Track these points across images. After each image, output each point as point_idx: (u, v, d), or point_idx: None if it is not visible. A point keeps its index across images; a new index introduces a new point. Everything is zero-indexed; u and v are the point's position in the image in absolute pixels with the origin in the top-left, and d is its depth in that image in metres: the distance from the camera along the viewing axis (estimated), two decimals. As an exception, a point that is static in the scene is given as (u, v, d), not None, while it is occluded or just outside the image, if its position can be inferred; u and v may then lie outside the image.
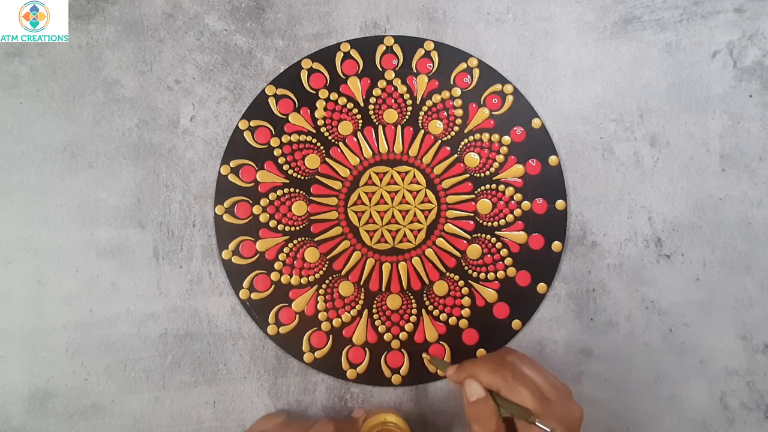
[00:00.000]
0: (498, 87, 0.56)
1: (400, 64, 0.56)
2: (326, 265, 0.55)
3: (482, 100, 0.56)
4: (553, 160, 0.56)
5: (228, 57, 0.56)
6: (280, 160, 0.55)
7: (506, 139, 0.56)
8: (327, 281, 0.54)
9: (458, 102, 0.56)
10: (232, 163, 0.55)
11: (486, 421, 0.42)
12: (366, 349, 0.54)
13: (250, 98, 0.56)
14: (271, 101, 0.56)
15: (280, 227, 0.55)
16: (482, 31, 0.57)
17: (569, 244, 0.56)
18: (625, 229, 0.56)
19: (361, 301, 0.54)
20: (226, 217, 0.54)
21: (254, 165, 0.55)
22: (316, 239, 0.55)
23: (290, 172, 0.55)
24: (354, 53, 0.56)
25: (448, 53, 0.57)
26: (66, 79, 0.55)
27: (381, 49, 0.56)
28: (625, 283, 0.55)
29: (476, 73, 0.56)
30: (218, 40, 0.56)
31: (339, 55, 0.56)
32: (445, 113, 0.56)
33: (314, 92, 0.56)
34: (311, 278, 0.54)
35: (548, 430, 0.40)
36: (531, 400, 0.41)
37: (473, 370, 0.44)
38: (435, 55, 0.56)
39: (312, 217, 0.55)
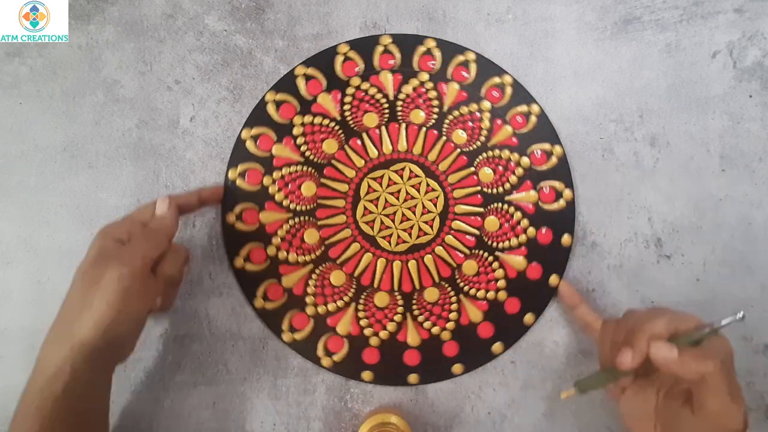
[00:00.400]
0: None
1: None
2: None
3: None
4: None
5: (228, 57, 0.56)
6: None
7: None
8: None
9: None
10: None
11: (710, 359, 0.39)
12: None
13: (249, 99, 0.56)
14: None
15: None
16: (482, 32, 0.57)
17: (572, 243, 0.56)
18: (625, 230, 0.56)
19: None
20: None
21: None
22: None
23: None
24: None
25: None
26: (66, 79, 0.55)
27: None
28: (625, 283, 0.55)
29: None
30: (218, 40, 0.56)
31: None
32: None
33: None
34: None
35: (735, 317, 0.41)
36: (695, 319, 0.41)
37: (647, 333, 0.41)
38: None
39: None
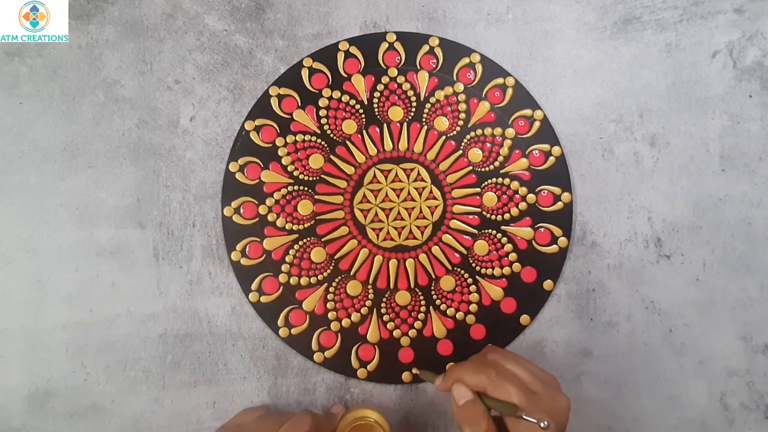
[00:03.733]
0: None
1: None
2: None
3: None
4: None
5: (228, 57, 0.56)
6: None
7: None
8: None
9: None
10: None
11: (476, 423, 0.42)
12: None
13: (250, 98, 0.56)
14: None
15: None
16: (482, 31, 0.57)
17: (569, 244, 0.56)
18: (625, 230, 0.56)
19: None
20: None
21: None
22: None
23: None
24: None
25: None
26: (66, 79, 0.55)
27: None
28: (625, 283, 0.55)
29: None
30: (218, 40, 0.56)
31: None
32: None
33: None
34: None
35: (535, 421, 0.40)
36: (517, 395, 0.41)
37: (458, 374, 0.44)
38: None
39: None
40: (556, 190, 0.55)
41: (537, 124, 0.56)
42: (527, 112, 0.56)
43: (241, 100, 0.56)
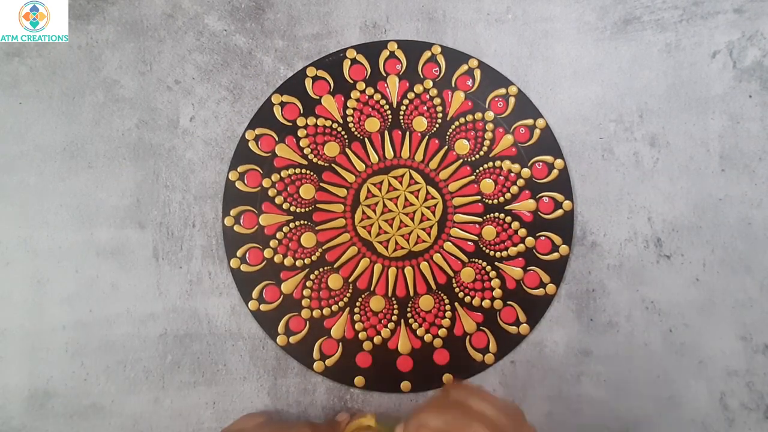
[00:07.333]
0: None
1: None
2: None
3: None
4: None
5: (228, 57, 0.56)
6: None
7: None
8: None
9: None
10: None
11: None
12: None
13: (249, 98, 0.56)
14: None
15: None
16: (482, 32, 0.57)
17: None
18: (625, 230, 0.56)
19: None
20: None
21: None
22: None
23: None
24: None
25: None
26: (66, 79, 0.55)
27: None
28: (625, 283, 0.55)
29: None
30: (218, 40, 0.56)
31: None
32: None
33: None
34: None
35: None
36: None
37: (421, 420, 0.41)
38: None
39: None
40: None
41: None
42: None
43: (241, 100, 0.56)
